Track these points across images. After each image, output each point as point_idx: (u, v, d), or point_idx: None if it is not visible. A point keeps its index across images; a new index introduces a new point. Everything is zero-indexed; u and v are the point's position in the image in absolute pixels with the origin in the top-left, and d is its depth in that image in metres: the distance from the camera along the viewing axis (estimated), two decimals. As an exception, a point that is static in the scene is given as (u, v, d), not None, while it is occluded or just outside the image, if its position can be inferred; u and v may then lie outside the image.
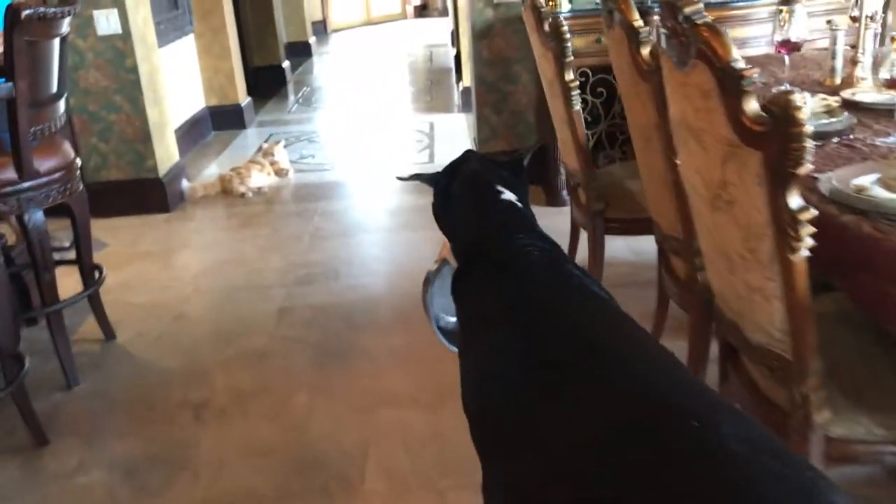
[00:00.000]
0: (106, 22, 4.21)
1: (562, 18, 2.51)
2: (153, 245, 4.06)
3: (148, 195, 4.48)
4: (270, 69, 8.12)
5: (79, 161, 2.85)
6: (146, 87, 4.39)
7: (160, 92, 4.62)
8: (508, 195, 1.62)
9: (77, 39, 4.23)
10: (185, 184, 4.74)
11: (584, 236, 3.07)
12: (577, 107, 2.61)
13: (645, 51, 1.94)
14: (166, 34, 5.41)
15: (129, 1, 4.23)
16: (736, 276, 1.58)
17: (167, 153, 4.64)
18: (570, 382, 1.11)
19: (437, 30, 11.58)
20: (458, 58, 7.89)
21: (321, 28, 11.78)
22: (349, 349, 2.90)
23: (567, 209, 4.10)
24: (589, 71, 3.85)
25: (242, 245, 3.98)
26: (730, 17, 3.76)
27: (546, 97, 2.89)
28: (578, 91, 2.59)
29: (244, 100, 6.49)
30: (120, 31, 4.23)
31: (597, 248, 2.80)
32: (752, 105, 1.32)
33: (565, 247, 3.28)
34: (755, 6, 3.80)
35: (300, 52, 9.82)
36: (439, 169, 1.77)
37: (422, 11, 13.65)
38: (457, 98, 6.90)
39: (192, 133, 5.88)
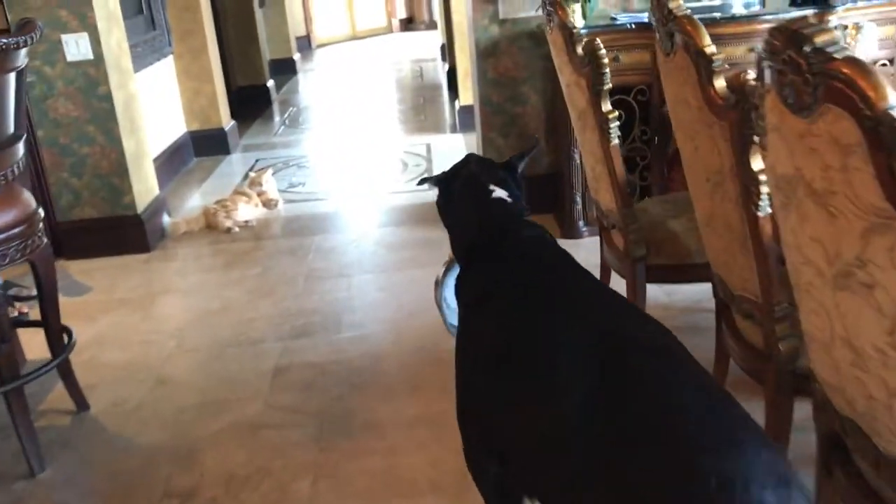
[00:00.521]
0: (76, 47, 3.85)
1: (599, 41, 2.17)
2: (132, 291, 3.68)
3: (125, 234, 4.11)
4: (254, 89, 7.76)
5: (41, 212, 2.49)
6: (121, 117, 4.02)
7: (137, 121, 4.25)
8: (499, 192, 1.74)
9: (45, 66, 3.87)
10: (165, 219, 4.37)
11: (615, 279, 2.73)
12: (615, 141, 2.27)
13: (719, 83, 1.60)
14: (143, 57, 5.05)
15: (101, 23, 3.87)
16: (868, 374, 1.24)
17: (146, 187, 4.27)
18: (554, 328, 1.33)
19: (425, 44, 11.27)
20: (451, 73, 7.58)
21: (305, 43, 11.45)
22: (355, 421, 2.54)
23: (585, 242, 3.79)
24: (608, 92, 3.52)
25: (230, 289, 3.62)
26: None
27: (575, 128, 2.55)
28: (617, 123, 2.25)
29: (228, 123, 6.14)
30: (91, 56, 3.86)
31: (637, 299, 2.45)
32: (919, 167, 0.98)
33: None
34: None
35: (285, 69, 9.48)
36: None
37: (408, 25, 13.34)
38: (452, 117, 6.56)
39: (173, 161, 5.51)
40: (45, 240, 2.51)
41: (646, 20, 3.65)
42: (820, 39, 1.10)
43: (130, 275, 3.88)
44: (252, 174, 4.95)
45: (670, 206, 2.59)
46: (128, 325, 3.34)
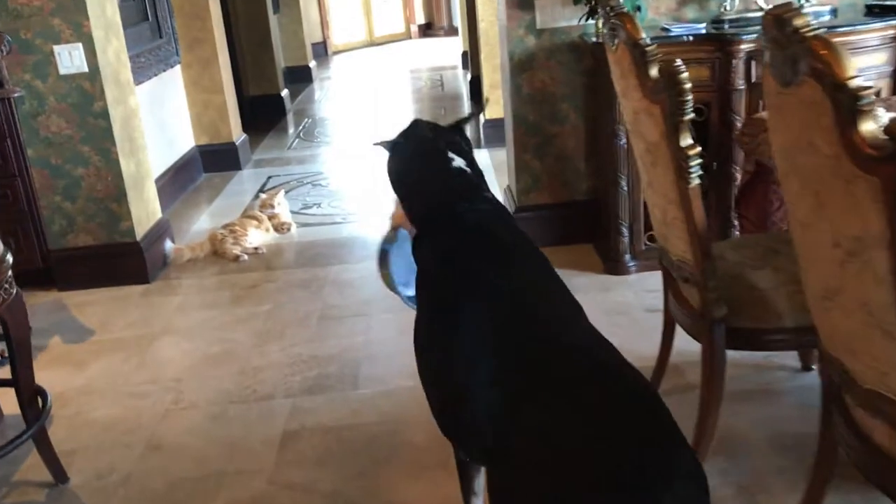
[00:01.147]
0: (69, 58, 3.49)
1: (681, 64, 1.78)
2: (127, 330, 3.31)
3: (123, 263, 3.74)
4: (268, 99, 7.42)
5: (10, 258, 2.12)
6: (120, 135, 3.67)
7: (137, 140, 3.89)
8: (458, 161, 1.70)
9: (35, 80, 3.52)
10: (168, 246, 4.01)
11: (680, 336, 2.34)
12: (696, 182, 1.87)
13: (867, 127, 1.20)
14: (148, 68, 4.71)
15: (97, 32, 3.52)
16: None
17: (146, 212, 3.91)
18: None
19: (445, 50, 10.90)
20: (474, 83, 7.20)
21: (321, 50, 11.11)
22: (377, 504, 2.16)
23: (632, 280, 3.39)
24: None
25: (236, 330, 3.24)
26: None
27: (640, 162, 2.16)
28: (699, 161, 1.85)
29: (238, 137, 5.78)
30: (86, 69, 3.51)
31: (715, 366, 2.05)
32: None
33: (638, 340, 2.56)
34: (863, 31, 3.09)
35: (300, 77, 9.13)
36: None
37: (426, 31, 12.98)
38: (475, 131, 6.18)
39: (180, 178, 5.16)
40: (15, 290, 2.15)
41: (703, 31, 3.26)
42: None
43: (127, 310, 3.52)
44: (263, 195, 4.59)
45: (749, 253, 2.19)
46: (120, 374, 2.97)
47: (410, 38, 12.84)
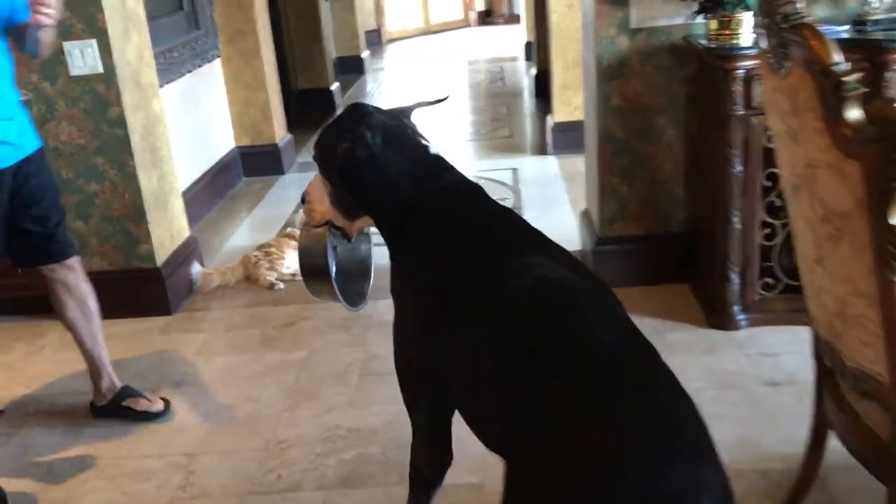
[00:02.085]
0: (81, 58, 3.01)
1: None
2: (138, 378, 2.82)
3: (141, 292, 3.27)
4: (316, 93, 6.91)
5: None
6: (139, 146, 3.18)
7: (161, 150, 3.40)
8: (431, 146, 1.63)
9: (43, 82, 3.05)
10: (195, 270, 3.52)
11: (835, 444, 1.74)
12: (907, 274, 1.27)
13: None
14: (182, 63, 4.23)
15: (114, 27, 3.03)
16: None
17: (170, 232, 3.42)
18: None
19: (506, 40, 10.25)
20: (539, 78, 6.59)
21: (375, 38, 10.58)
22: None
23: (740, 336, 2.78)
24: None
25: (263, 384, 2.73)
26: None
27: (814, 232, 1.54)
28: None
29: (282, 138, 5.28)
30: (100, 69, 3.02)
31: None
32: None
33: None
34: None
35: (351, 68, 8.62)
36: None
37: (486, 18, 12.34)
38: (540, 135, 5.58)
39: (217, 183, 4.68)
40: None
41: (845, 35, 2.62)
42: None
43: (141, 350, 3.04)
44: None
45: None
46: (124, 442, 2.49)
47: (469, 25, 12.22)
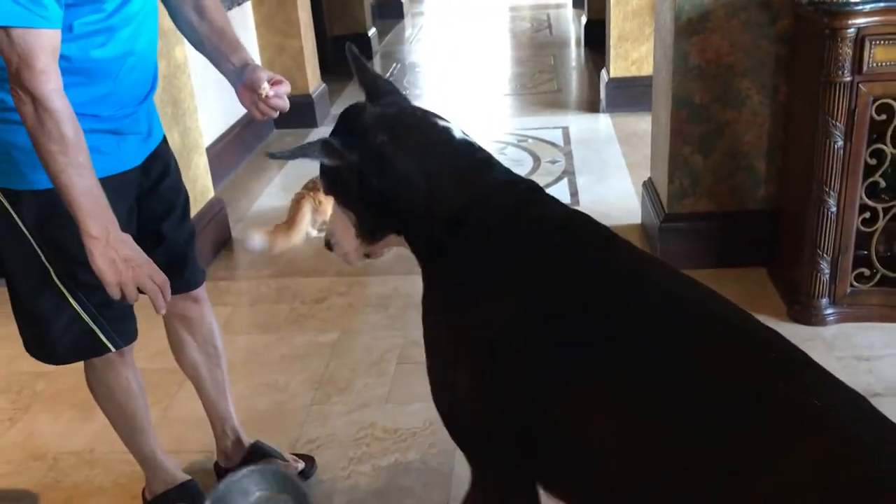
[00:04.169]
0: (94, -1, 2.69)
1: None
2: (154, 360, 2.49)
3: (161, 259, 3.00)
4: (353, 39, 6.40)
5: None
6: (160, 99, 2.88)
7: (185, 102, 3.11)
8: (456, 129, 1.30)
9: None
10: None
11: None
12: None
13: None
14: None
15: (132, -35, 2.70)
16: None
17: (194, 192, 3.10)
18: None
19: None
20: (589, 27, 6.17)
21: (416, -20, 10.10)
22: None
23: (828, 332, 2.44)
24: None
25: (290, 372, 2.47)
26: None
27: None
28: None
29: (316, 88, 4.95)
30: (116, 13, 2.71)
31: None
32: None
33: None
34: None
35: (390, 12, 8.22)
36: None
37: (530, -39, 11.75)
38: (593, 91, 5.18)
39: (246, 136, 4.39)
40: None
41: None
42: None
43: (160, 325, 2.78)
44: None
45: None
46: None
47: (512, -32, 11.66)
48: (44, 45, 1.28)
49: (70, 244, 1.45)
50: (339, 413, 2.27)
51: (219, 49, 1.63)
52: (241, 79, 1.60)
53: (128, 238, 1.42)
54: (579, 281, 1.13)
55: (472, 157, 1.29)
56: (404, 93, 1.51)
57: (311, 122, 4.86)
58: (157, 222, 1.72)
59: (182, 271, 1.77)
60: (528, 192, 1.29)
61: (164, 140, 1.76)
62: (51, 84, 1.29)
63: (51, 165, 1.32)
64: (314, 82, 4.93)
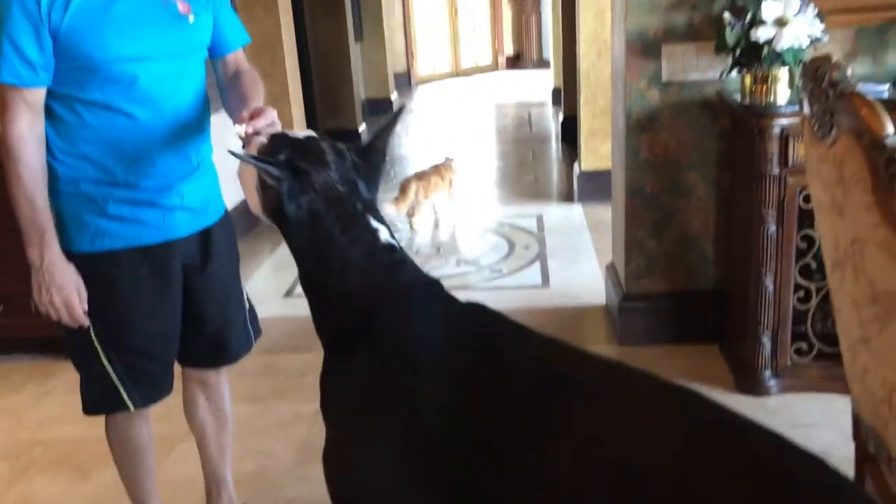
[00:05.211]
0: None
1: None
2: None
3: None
4: (344, 134, 6.90)
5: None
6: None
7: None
8: (383, 231, 1.37)
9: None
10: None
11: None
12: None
13: None
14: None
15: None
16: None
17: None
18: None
19: (534, 84, 10.30)
20: (566, 124, 6.55)
21: (405, 80, 10.65)
22: None
23: (772, 403, 2.66)
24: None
25: (274, 437, 2.65)
26: None
27: (859, 311, 1.44)
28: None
29: (307, 179, 5.25)
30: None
31: None
32: None
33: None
34: None
35: (380, 109, 8.65)
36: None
37: (515, 62, 12.41)
38: (567, 182, 5.50)
39: (239, 223, 4.62)
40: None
41: (886, 94, 2.53)
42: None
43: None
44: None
45: None
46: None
47: (498, 69, 12.29)
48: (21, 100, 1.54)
49: (108, 306, 1.67)
50: (318, 475, 2.43)
51: (235, 109, 1.72)
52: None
53: (62, 265, 1.62)
54: (489, 372, 1.21)
55: (391, 259, 1.36)
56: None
57: (302, 211, 5.14)
58: (202, 303, 1.84)
59: (216, 354, 1.95)
60: (433, 291, 1.36)
61: (223, 223, 1.87)
62: (15, 130, 1.54)
63: (10, 191, 1.58)
64: (305, 173, 5.23)
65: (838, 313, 1.51)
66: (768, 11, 2.46)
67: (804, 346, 2.67)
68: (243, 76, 1.82)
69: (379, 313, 1.30)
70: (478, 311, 1.32)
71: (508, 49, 12.43)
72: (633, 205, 3.00)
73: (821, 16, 2.49)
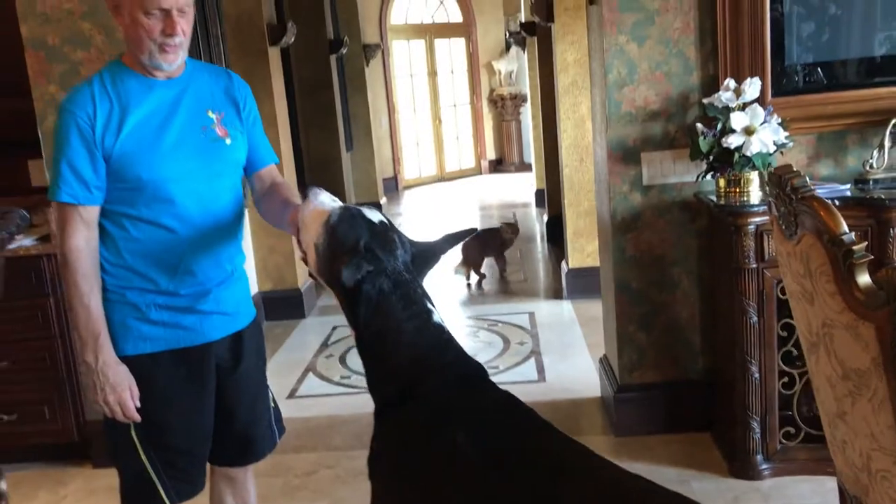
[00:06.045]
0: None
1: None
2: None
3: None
4: (336, 239, 7.12)
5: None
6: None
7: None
8: (437, 315, 1.55)
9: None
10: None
11: None
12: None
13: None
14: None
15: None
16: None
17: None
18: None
19: (517, 187, 10.64)
20: (551, 224, 6.81)
21: (392, 185, 10.99)
22: None
23: (764, 486, 2.77)
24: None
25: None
26: None
27: (830, 388, 1.61)
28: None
29: (305, 283, 5.43)
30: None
31: None
32: None
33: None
34: None
35: (369, 214, 8.90)
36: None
37: (497, 166, 12.83)
38: (555, 279, 5.71)
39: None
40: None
41: (847, 193, 2.76)
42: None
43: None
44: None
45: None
46: None
47: (481, 173, 12.68)
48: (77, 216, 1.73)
49: (148, 406, 1.80)
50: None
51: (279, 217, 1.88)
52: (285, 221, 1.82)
53: (116, 366, 1.76)
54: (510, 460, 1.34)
55: (439, 339, 1.53)
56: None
57: (300, 314, 5.30)
58: (232, 402, 1.96)
59: (244, 451, 2.05)
60: (474, 375, 1.55)
61: (254, 326, 2.00)
62: (73, 244, 1.72)
63: (68, 298, 1.76)
64: (303, 278, 5.41)
65: (817, 391, 1.67)
66: (737, 121, 2.72)
67: (792, 429, 2.81)
68: (280, 186, 2.00)
69: (419, 385, 1.45)
70: (509, 400, 1.48)
71: (491, 154, 12.87)
72: (621, 300, 3.18)
73: (783, 124, 2.75)
